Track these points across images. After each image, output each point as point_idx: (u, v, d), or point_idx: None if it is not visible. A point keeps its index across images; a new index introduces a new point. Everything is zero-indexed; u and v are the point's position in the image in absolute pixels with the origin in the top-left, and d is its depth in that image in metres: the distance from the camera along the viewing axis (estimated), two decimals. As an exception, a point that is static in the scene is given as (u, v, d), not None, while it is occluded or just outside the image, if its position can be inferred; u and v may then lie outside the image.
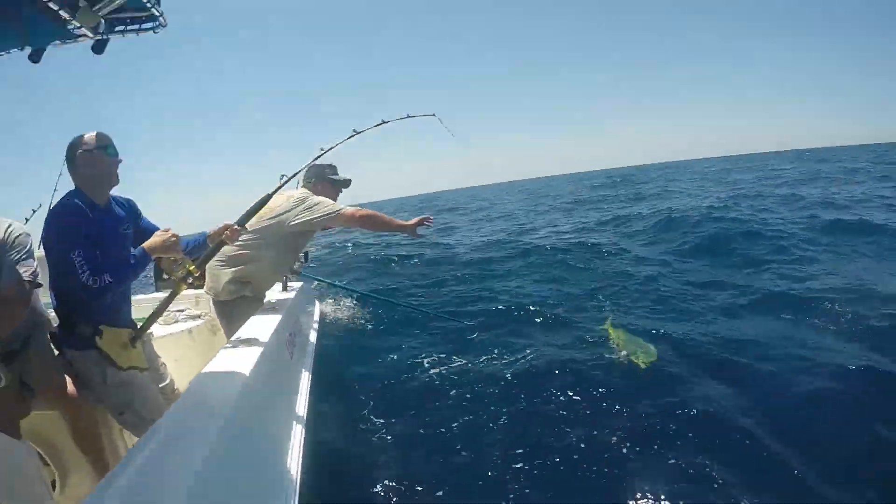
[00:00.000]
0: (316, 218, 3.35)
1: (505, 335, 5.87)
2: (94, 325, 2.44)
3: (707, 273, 7.96)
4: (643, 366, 4.53)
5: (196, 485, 1.29)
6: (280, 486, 1.97)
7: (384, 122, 3.58)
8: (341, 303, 7.73)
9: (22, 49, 2.63)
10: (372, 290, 8.05)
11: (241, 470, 1.70)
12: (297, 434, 2.44)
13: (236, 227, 2.83)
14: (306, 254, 4.70)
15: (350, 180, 3.78)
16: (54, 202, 2.57)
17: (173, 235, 2.55)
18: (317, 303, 5.45)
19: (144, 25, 2.59)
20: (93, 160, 2.41)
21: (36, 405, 2.55)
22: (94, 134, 2.41)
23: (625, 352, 4.82)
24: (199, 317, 4.40)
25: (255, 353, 2.45)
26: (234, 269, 3.37)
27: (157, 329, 3.98)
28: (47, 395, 2.54)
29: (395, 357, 5.44)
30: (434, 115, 3.84)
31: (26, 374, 2.48)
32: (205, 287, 3.54)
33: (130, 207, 2.73)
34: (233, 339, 2.81)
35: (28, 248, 2.36)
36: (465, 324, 6.37)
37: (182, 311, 4.51)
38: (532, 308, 6.64)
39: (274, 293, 4.13)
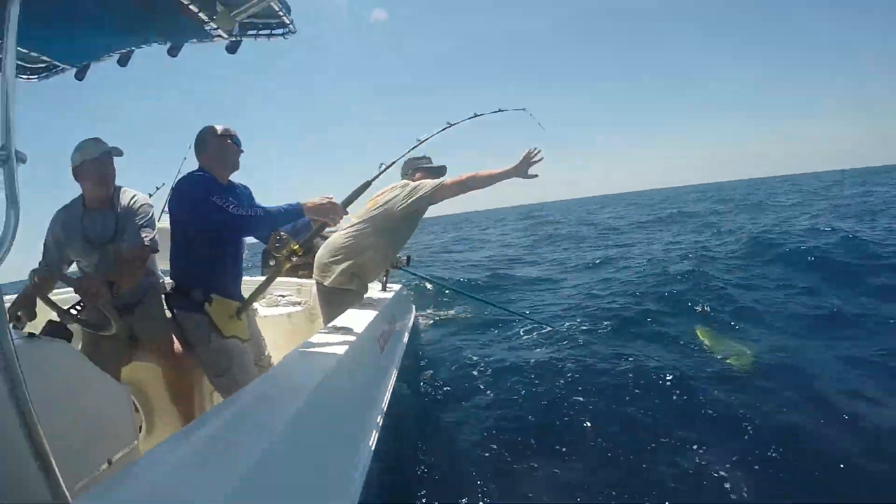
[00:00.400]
0: (422, 195, 3.34)
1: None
2: (206, 292, 2.58)
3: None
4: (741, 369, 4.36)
5: (266, 452, 1.27)
6: (346, 471, 1.91)
7: (477, 115, 3.59)
8: (437, 310, 7.75)
9: (164, 43, 2.87)
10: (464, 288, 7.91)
11: (312, 448, 1.66)
12: (374, 425, 2.40)
13: (339, 204, 2.69)
14: (408, 258, 4.74)
15: (445, 167, 3.73)
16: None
17: (333, 202, 2.55)
18: (413, 308, 5.49)
19: (276, 31, 2.75)
20: (221, 146, 2.63)
21: (139, 356, 2.73)
22: (224, 126, 2.66)
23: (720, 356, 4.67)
24: (299, 304, 4.53)
25: (348, 340, 2.45)
26: (347, 262, 3.44)
27: (259, 309, 4.17)
28: (152, 349, 2.72)
29: (482, 359, 5.26)
30: (525, 109, 3.84)
31: (136, 328, 2.68)
32: (313, 274, 3.64)
33: (248, 190, 2.91)
34: (329, 325, 2.85)
35: (150, 216, 2.65)
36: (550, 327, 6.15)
37: (284, 296, 4.68)
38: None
39: (374, 292, 4.19)
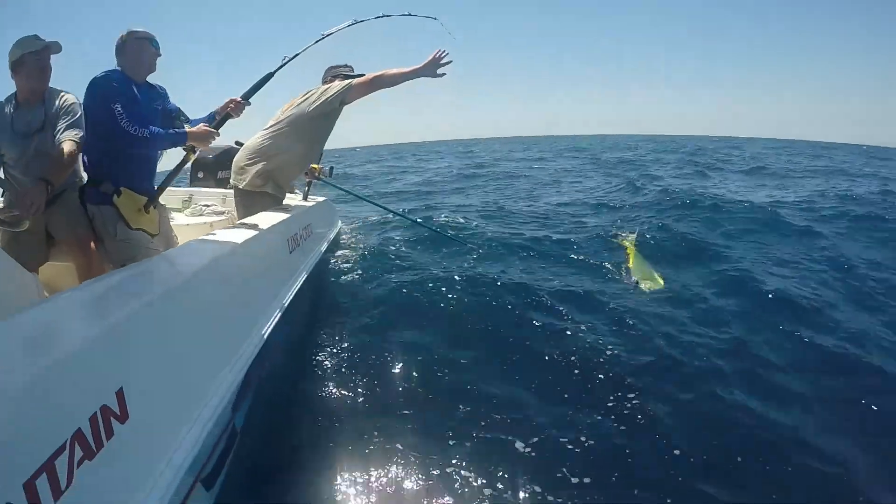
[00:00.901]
0: (333, 94, 3.46)
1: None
2: (115, 185, 2.70)
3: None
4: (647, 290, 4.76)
5: (133, 315, 1.47)
6: (233, 345, 2.11)
7: (385, 16, 3.72)
8: (363, 229, 7.89)
9: None
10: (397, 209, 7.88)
11: (191, 319, 1.85)
12: (267, 318, 2.55)
13: (240, 99, 3.05)
14: (331, 169, 4.88)
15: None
16: None
17: (215, 132, 2.89)
18: (338, 222, 5.66)
19: None
20: (139, 47, 2.73)
21: (55, 255, 2.84)
22: (143, 29, 2.74)
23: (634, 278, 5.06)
24: (223, 213, 4.63)
25: (252, 234, 2.66)
26: (262, 163, 3.56)
27: (181, 218, 4.28)
28: (67, 245, 2.82)
29: (400, 276, 5.34)
30: (436, 18, 3.94)
31: (51, 224, 2.78)
32: (230, 180, 3.75)
33: (162, 90, 2.99)
34: (237, 222, 3.02)
35: (79, 116, 2.68)
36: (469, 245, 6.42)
37: (209, 206, 4.76)
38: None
39: (294, 200, 4.33)
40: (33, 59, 2.59)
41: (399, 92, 3.60)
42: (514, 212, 9.45)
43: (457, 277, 4.96)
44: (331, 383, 3.20)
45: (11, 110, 2.67)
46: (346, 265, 5.59)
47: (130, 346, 1.41)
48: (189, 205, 4.79)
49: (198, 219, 4.44)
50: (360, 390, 3.12)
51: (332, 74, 3.80)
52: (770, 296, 4.61)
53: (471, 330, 3.99)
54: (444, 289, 4.70)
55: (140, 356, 1.44)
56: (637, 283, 4.89)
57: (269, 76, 3.24)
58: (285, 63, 3.31)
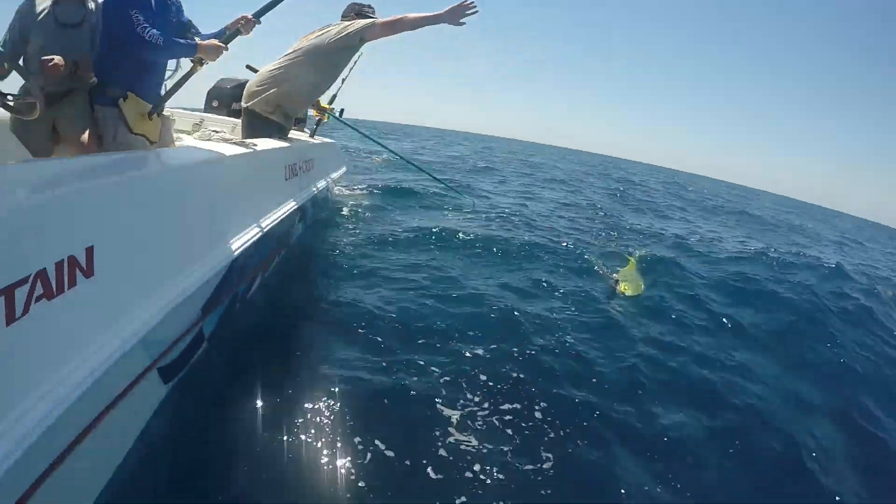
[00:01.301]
0: (354, 29, 3.51)
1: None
2: (123, 89, 2.74)
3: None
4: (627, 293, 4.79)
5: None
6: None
7: None
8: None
9: None
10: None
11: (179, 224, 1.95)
12: (250, 236, 2.59)
13: (251, 17, 3.05)
14: (342, 110, 4.91)
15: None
16: None
17: (224, 47, 2.93)
18: (344, 166, 5.71)
19: None
20: None
21: (58, 151, 2.91)
22: None
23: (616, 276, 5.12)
24: (230, 141, 4.68)
25: (250, 152, 2.73)
26: (273, 89, 3.59)
27: (189, 140, 4.32)
28: (69, 144, 2.89)
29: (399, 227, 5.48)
30: None
31: (58, 121, 2.86)
32: (241, 101, 3.79)
33: (177, 2, 3.03)
34: (239, 140, 3.08)
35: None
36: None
37: (218, 132, 4.80)
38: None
39: (301, 136, 4.38)
40: None
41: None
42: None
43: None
44: (306, 328, 3.29)
45: (52, 2, 2.74)
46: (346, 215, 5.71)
47: (107, 211, 1.48)
48: (199, 129, 4.84)
49: (205, 143, 4.49)
50: (328, 343, 3.16)
51: (354, 10, 3.79)
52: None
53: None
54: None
55: (116, 224, 1.52)
56: (617, 282, 4.94)
57: None
58: None
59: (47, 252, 1.21)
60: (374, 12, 3.81)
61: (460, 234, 5.67)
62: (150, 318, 1.61)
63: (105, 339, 1.41)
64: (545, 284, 4.72)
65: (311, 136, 4.68)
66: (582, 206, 11.23)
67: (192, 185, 2.13)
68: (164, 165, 2.01)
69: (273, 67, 3.64)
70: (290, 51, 3.66)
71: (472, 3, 3.27)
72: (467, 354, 3.20)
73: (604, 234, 8.04)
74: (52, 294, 1.20)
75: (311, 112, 4.52)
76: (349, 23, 3.57)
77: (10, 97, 2.50)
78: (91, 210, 1.39)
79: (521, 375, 3.06)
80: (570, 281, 5.00)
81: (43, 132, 2.82)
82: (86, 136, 2.91)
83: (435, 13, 3.35)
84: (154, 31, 2.56)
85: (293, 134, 4.07)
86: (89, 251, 1.34)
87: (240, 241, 2.47)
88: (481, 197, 9.48)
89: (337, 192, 6.59)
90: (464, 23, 3.35)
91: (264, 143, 3.12)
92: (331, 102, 4.71)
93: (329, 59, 3.64)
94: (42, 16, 2.77)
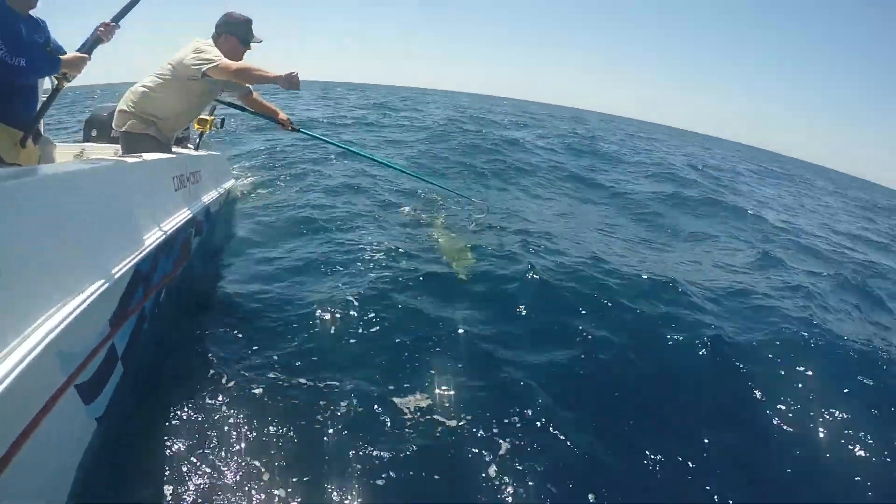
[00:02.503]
0: (197, 63, 3.26)
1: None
2: None
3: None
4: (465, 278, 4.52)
5: None
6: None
7: None
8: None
9: None
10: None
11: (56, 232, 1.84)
12: (145, 246, 2.48)
13: (110, 22, 2.98)
14: (222, 120, 4.80)
15: (261, 41, 3.61)
16: None
17: (87, 57, 2.90)
18: (231, 178, 5.61)
19: None
20: None
21: None
22: None
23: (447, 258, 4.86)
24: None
25: (132, 160, 2.65)
26: (141, 107, 3.39)
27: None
28: None
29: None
30: None
31: None
32: (113, 123, 3.58)
33: (43, 23, 2.95)
34: (123, 154, 2.98)
35: None
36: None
37: (101, 159, 4.59)
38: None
39: (184, 150, 4.26)
40: None
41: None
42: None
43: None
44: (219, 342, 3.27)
45: None
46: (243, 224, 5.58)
47: None
48: (80, 157, 4.63)
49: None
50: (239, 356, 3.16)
51: (224, 29, 3.50)
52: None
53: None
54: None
55: (8, 232, 1.49)
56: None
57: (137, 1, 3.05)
58: None
59: None
60: (248, 29, 3.56)
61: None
62: (56, 324, 1.57)
63: (11, 348, 1.37)
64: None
65: (196, 148, 4.54)
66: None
67: (79, 193, 2.06)
68: (48, 174, 1.93)
69: (142, 85, 3.41)
70: (158, 69, 3.42)
71: (296, 72, 3.24)
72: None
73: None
74: None
75: (193, 125, 4.38)
76: (202, 50, 3.32)
77: None
78: None
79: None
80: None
81: None
82: None
83: (275, 74, 3.23)
84: (15, 55, 2.52)
85: (176, 149, 3.94)
86: None
87: (139, 250, 2.40)
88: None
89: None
90: (297, 89, 3.34)
91: (149, 155, 3.03)
92: (211, 113, 4.59)
93: (189, 89, 3.42)
94: None
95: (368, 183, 8.03)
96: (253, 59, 3.60)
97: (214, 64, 3.23)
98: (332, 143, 4.51)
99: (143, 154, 3.00)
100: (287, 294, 4.01)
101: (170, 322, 3.19)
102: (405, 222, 6.22)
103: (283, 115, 3.94)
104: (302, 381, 2.94)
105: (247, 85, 3.68)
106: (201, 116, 4.39)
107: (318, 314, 3.65)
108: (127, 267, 2.19)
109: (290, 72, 3.22)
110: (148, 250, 2.46)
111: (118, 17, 3.00)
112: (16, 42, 2.54)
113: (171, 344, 3.14)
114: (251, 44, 3.61)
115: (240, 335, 3.37)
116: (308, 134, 4.21)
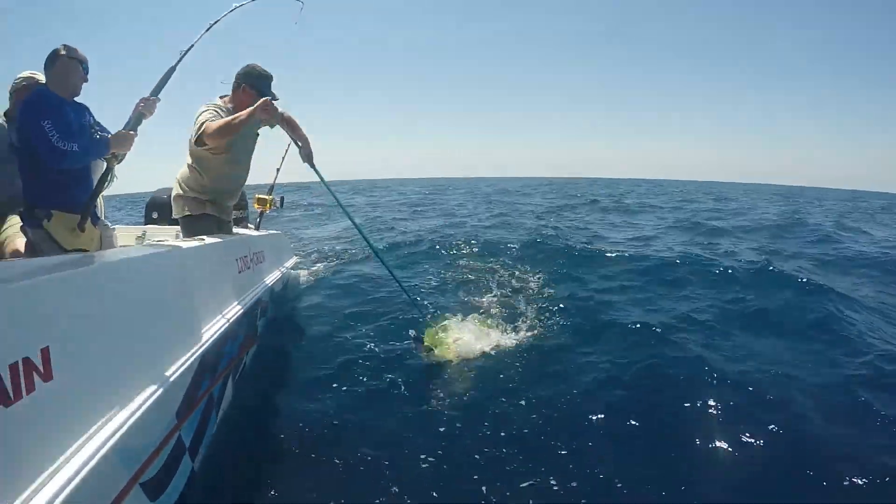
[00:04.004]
0: (194, 135, 3.17)
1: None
2: (47, 208, 2.65)
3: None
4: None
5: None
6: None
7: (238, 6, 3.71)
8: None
9: None
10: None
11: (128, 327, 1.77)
12: (213, 332, 2.43)
13: (150, 96, 3.02)
14: (281, 199, 4.89)
15: (277, 99, 3.35)
16: None
17: (133, 134, 2.90)
18: (293, 256, 5.63)
19: None
20: (68, 66, 2.69)
21: None
22: (76, 48, 2.71)
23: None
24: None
25: (195, 244, 2.64)
26: (189, 185, 3.42)
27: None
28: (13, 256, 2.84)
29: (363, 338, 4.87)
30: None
31: None
32: (173, 213, 3.63)
33: (86, 108, 2.93)
34: (185, 238, 2.99)
35: None
36: None
37: (162, 241, 4.69)
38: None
39: (245, 231, 4.32)
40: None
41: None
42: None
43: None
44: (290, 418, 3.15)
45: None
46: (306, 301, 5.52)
47: (59, 309, 1.36)
48: (142, 240, 4.77)
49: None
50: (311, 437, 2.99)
51: (244, 80, 3.37)
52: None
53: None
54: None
55: (70, 323, 1.40)
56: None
57: (172, 70, 3.19)
58: (183, 56, 3.27)
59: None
60: (268, 81, 3.43)
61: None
62: (121, 424, 1.46)
63: (75, 449, 1.26)
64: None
65: (256, 228, 4.61)
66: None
67: (146, 279, 2.01)
68: (113, 261, 1.89)
69: (186, 164, 3.44)
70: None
71: (268, 98, 3.14)
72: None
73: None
74: (10, 401, 1.07)
75: (253, 205, 4.47)
76: (196, 117, 3.23)
77: None
78: (42, 308, 1.28)
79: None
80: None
81: None
82: (22, 244, 2.82)
83: (249, 111, 3.05)
84: (67, 141, 2.52)
85: (237, 230, 3.98)
86: (45, 352, 1.21)
87: (205, 336, 2.33)
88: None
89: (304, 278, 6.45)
90: (273, 122, 3.35)
91: (211, 238, 3.03)
92: (270, 192, 4.69)
93: (208, 155, 3.33)
94: None
95: (430, 261, 7.92)
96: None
97: (202, 131, 3.11)
98: (331, 193, 4.19)
99: (204, 237, 3.00)
100: (356, 368, 3.86)
101: (239, 404, 3.09)
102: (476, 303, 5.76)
103: (306, 149, 3.69)
104: (373, 453, 2.77)
105: (267, 120, 3.36)
106: (260, 196, 4.49)
107: (391, 387, 3.51)
108: (192, 358, 2.11)
109: (259, 104, 3.06)
110: (213, 339, 2.39)
111: (157, 90, 3.07)
112: (66, 128, 2.58)
113: (241, 424, 3.02)
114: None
115: (313, 410, 3.25)
116: (318, 174, 3.89)
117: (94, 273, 1.68)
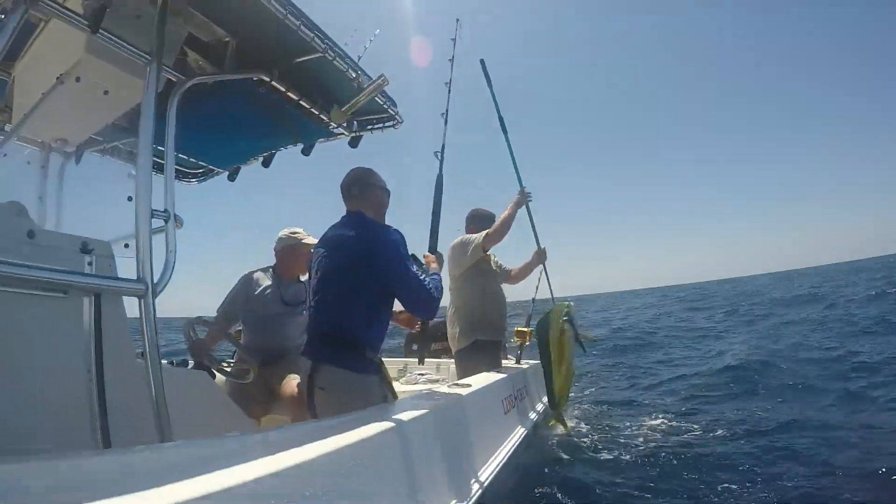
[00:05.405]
0: (470, 249, 3.82)
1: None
2: (375, 350, 2.35)
3: None
4: None
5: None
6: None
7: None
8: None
9: (295, 145, 3.53)
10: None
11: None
12: (484, 481, 2.28)
13: (429, 255, 2.90)
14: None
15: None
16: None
17: (440, 256, 2.91)
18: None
19: (387, 124, 3.32)
20: (383, 196, 2.55)
21: (276, 409, 2.99)
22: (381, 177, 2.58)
23: None
24: (437, 381, 4.66)
25: (463, 391, 2.53)
26: (457, 317, 3.80)
27: (397, 386, 4.35)
28: (286, 402, 2.93)
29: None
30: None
31: (273, 380, 3.05)
32: (448, 341, 3.91)
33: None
34: (452, 382, 2.94)
35: None
36: None
37: (423, 374, 4.85)
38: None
39: (508, 363, 4.25)
40: (286, 252, 3.36)
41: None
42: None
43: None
44: None
45: (278, 282, 3.32)
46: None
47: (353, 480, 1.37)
48: (404, 374, 4.99)
49: (413, 386, 4.51)
50: None
51: (474, 221, 4.15)
52: None
53: None
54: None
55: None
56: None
57: (437, 217, 3.46)
58: (438, 206, 3.51)
59: None
60: (493, 217, 4.09)
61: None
62: None
63: None
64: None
65: (517, 361, 4.48)
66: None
67: (424, 436, 1.94)
68: (397, 419, 1.80)
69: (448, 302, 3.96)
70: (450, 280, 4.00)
71: (523, 188, 4.06)
72: None
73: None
74: None
75: (513, 338, 4.39)
76: (467, 240, 3.91)
77: (225, 364, 2.87)
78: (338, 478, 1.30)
79: None
80: None
81: (258, 393, 3.04)
82: (294, 385, 2.82)
83: (511, 207, 3.87)
84: (428, 279, 2.33)
85: (504, 362, 3.96)
86: None
87: (472, 491, 2.14)
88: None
89: None
90: (530, 200, 4.04)
91: (478, 380, 2.94)
92: (527, 324, 4.57)
93: (473, 275, 3.91)
94: (270, 294, 3.22)
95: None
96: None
97: (480, 241, 3.82)
98: None
99: (470, 380, 2.90)
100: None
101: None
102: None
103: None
104: None
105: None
106: (519, 329, 4.37)
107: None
108: None
109: (519, 192, 4.03)
110: (482, 489, 2.20)
111: (432, 247, 3.26)
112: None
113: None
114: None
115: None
116: None
117: (385, 437, 1.64)
